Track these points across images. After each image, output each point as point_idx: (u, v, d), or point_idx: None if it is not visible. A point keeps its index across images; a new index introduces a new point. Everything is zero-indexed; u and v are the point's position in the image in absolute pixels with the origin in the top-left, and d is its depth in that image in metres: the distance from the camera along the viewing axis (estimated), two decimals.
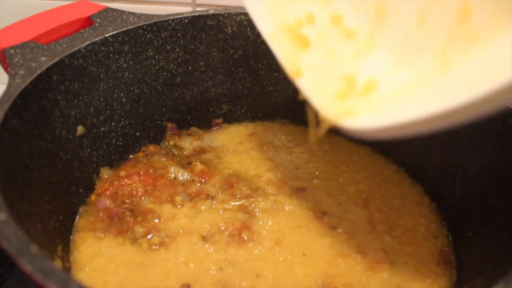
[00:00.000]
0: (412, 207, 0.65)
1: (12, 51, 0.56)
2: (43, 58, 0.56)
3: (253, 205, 0.63)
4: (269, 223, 0.61)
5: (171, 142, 0.72)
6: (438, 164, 0.66)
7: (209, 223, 0.60)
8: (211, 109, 0.76)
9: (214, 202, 0.63)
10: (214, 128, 0.76)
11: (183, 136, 0.73)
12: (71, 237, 0.58)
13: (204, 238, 0.58)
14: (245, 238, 0.59)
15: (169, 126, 0.73)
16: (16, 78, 0.52)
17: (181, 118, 0.74)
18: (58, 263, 0.51)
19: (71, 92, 0.59)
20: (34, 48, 0.57)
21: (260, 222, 0.61)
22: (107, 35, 0.62)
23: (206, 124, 0.76)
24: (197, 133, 0.73)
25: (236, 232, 0.59)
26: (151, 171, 0.65)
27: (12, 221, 0.39)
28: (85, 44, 0.60)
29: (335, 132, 0.74)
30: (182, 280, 0.54)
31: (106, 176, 0.65)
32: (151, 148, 0.70)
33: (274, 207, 0.63)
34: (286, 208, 0.63)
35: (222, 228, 0.59)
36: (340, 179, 0.68)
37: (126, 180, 0.63)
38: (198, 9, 0.86)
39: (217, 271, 0.55)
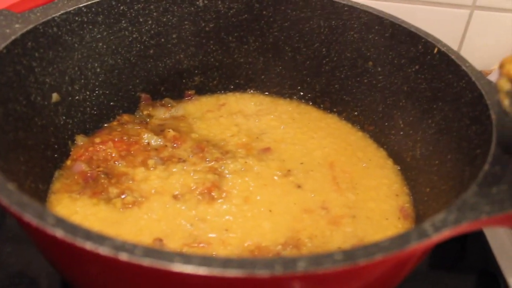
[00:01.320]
0: (376, 169, 0.68)
1: None
2: (17, 26, 0.58)
3: (222, 167, 0.66)
4: (238, 182, 0.64)
5: (145, 112, 0.74)
6: (400, 128, 0.69)
7: (180, 184, 0.63)
8: (183, 80, 0.78)
9: (185, 165, 0.65)
10: (186, 98, 0.79)
11: (157, 107, 0.75)
12: (47, 198, 0.60)
13: (175, 197, 0.61)
14: (215, 196, 0.61)
15: (143, 96, 0.75)
16: None
17: (155, 89, 0.76)
18: None
19: (46, 59, 0.61)
20: (8, 16, 0.59)
21: (230, 183, 0.64)
22: (81, 5, 0.64)
23: (179, 95, 0.78)
24: (170, 104, 0.76)
25: (206, 191, 0.62)
26: (125, 138, 0.68)
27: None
28: (59, 13, 0.62)
29: (305, 101, 0.79)
30: (155, 235, 0.56)
31: (81, 143, 0.67)
32: (125, 117, 0.72)
33: (242, 169, 0.66)
34: (254, 169, 0.66)
35: (192, 188, 0.62)
36: (307, 144, 0.71)
37: (101, 146, 0.66)
38: None
39: (189, 226, 0.58)
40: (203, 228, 0.58)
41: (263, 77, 0.80)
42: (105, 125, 0.72)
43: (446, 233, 0.38)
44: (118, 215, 0.58)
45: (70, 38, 0.64)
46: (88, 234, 0.34)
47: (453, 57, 0.61)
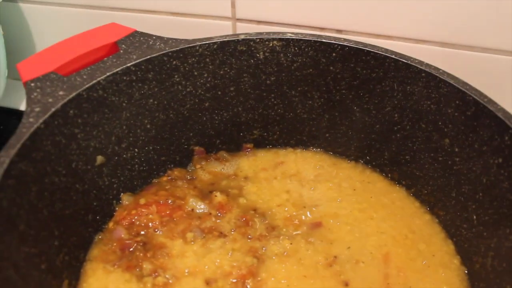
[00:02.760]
0: (437, 269, 0.59)
1: (32, 84, 0.57)
2: (61, 92, 0.57)
3: (264, 248, 0.61)
4: (276, 270, 0.59)
5: (198, 166, 0.71)
6: (474, 224, 0.59)
7: (215, 266, 0.59)
8: (241, 134, 0.73)
9: (226, 241, 0.62)
10: (244, 152, 0.74)
11: (210, 161, 0.72)
12: (84, 267, 0.60)
13: (207, 283, 0.58)
14: (249, 287, 0.57)
15: (197, 149, 0.72)
16: (30, 116, 0.54)
17: (210, 142, 0.73)
18: None
19: (90, 123, 0.60)
20: (54, 80, 0.58)
21: (268, 270, 0.59)
22: (129, 64, 0.61)
23: (236, 148, 0.74)
24: (224, 157, 0.72)
25: (240, 279, 0.58)
26: (170, 201, 0.65)
27: None
28: (105, 75, 0.59)
29: (371, 167, 0.71)
30: None
31: (127, 203, 0.66)
32: (176, 172, 0.70)
33: (285, 253, 0.60)
34: (298, 252, 0.61)
35: (227, 272, 0.59)
36: (363, 225, 0.64)
37: (143, 210, 0.64)
38: (238, 24, 0.82)
39: None
40: None
41: (327, 135, 0.72)
42: (155, 180, 0.70)
43: None
44: None
45: (117, 99, 0.62)
46: None
47: None
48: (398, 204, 0.67)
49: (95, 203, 0.62)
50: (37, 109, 0.55)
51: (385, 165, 0.70)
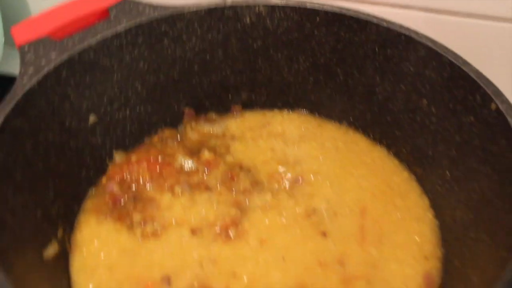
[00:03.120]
0: (411, 222, 0.63)
1: (26, 48, 0.60)
2: (54, 55, 0.60)
3: (247, 201, 0.65)
4: (258, 220, 0.63)
5: (187, 127, 0.74)
6: (447, 179, 0.62)
7: (201, 217, 0.63)
8: (229, 96, 0.76)
9: (211, 194, 0.65)
10: (232, 113, 0.77)
11: (200, 121, 0.75)
12: (78, 217, 0.64)
13: (193, 231, 0.61)
14: (231, 235, 0.61)
15: (187, 111, 0.75)
16: (24, 77, 0.57)
17: (199, 104, 0.76)
18: (53, 248, 0.57)
19: (82, 84, 0.63)
20: (47, 44, 0.61)
21: (250, 220, 0.63)
22: (119, 29, 0.64)
23: (224, 110, 0.77)
24: (213, 118, 0.75)
25: (224, 228, 0.62)
26: (160, 158, 0.69)
27: None
28: (96, 39, 0.62)
29: (354, 128, 0.74)
30: (164, 272, 0.58)
31: (119, 160, 0.69)
32: (167, 132, 0.73)
33: (267, 205, 0.64)
34: (279, 205, 0.64)
35: (212, 223, 0.62)
36: (343, 181, 0.67)
37: (135, 166, 0.68)
38: None
39: (198, 267, 0.58)
40: (211, 271, 0.58)
41: (312, 97, 0.75)
42: (146, 140, 0.73)
43: None
44: (136, 244, 0.61)
45: (108, 61, 0.65)
46: None
47: (509, 120, 0.52)
48: (379, 162, 0.70)
49: (88, 160, 0.66)
50: (30, 71, 0.58)
51: (367, 125, 0.73)
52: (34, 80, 0.57)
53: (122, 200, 0.64)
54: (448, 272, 0.57)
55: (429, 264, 0.59)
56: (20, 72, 0.58)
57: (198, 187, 0.66)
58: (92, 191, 0.67)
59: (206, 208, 0.64)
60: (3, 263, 0.42)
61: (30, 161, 0.56)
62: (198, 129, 0.74)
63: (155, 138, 0.73)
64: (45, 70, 0.58)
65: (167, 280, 0.57)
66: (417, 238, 0.61)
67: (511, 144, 0.51)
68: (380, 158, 0.70)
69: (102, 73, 0.65)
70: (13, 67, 0.97)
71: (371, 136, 0.73)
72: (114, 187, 0.66)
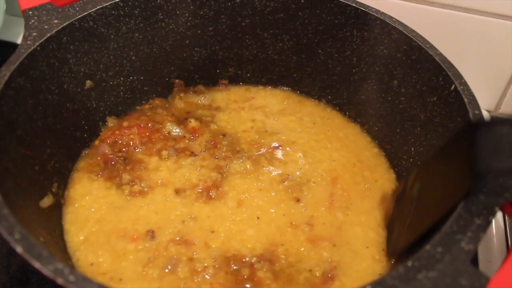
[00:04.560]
0: (377, 193, 0.69)
1: (30, 12, 0.65)
2: (55, 21, 0.64)
3: (228, 166, 0.70)
4: (237, 184, 0.69)
5: (177, 97, 0.80)
6: (412, 155, 0.68)
7: (185, 178, 0.68)
8: (218, 70, 0.82)
9: (195, 159, 0.71)
10: (220, 86, 0.83)
11: (189, 92, 0.80)
12: (71, 175, 0.69)
13: (177, 192, 0.67)
14: (212, 196, 0.67)
15: (177, 82, 0.80)
16: (28, 39, 0.62)
17: (189, 77, 0.81)
18: (48, 199, 0.62)
19: (81, 51, 0.68)
20: (50, 10, 0.65)
21: (230, 184, 0.68)
22: (117, 0, 0.69)
23: (212, 83, 0.83)
24: (201, 91, 0.81)
25: (205, 189, 0.67)
26: (150, 124, 0.74)
27: None
28: (96, 8, 0.67)
29: (332, 106, 0.80)
30: (149, 226, 0.64)
31: (111, 125, 0.74)
32: (157, 101, 0.79)
33: (245, 171, 0.70)
34: (257, 171, 0.70)
35: (194, 184, 0.68)
36: (317, 153, 0.73)
37: (126, 131, 0.73)
38: None
39: (180, 223, 0.64)
40: (192, 227, 0.64)
41: (295, 75, 0.81)
42: (138, 107, 0.78)
43: None
44: (123, 201, 0.66)
45: (106, 30, 0.70)
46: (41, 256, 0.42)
47: (465, 99, 0.58)
48: (352, 138, 0.76)
49: (83, 122, 0.71)
50: (34, 34, 0.63)
51: (343, 104, 0.79)
52: (37, 43, 0.61)
53: (112, 161, 0.70)
54: None
55: None
56: (24, 35, 0.62)
57: (183, 152, 0.72)
58: (86, 152, 0.72)
59: (190, 171, 0.69)
60: (7, 202, 0.47)
61: (30, 118, 0.61)
62: (186, 100, 0.80)
63: (146, 106, 0.78)
64: (47, 35, 0.63)
65: (151, 234, 0.63)
66: (381, 207, 0.67)
67: (465, 121, 0.57)
68: (353, 134, 0.76)
69: (99, 41, 0.69)
70: (14, 35, 1.02)
71: (347, 114, 0.79)
72: (106, 148, 0.71)
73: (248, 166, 0.70)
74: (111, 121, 0.75)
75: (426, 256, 0.43)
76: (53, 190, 0.64)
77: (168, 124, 0.74)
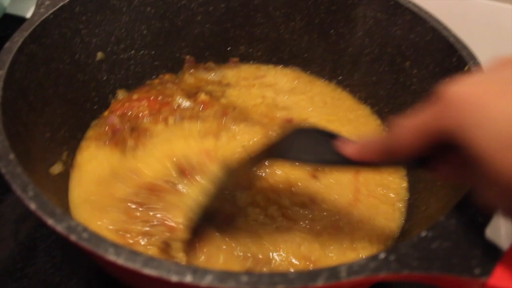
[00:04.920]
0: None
1: None
2: None
3: (233, 125, 0.71)
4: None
5: (187, 73, 0.79)
6: None
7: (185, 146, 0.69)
8: (229, 48, 0.81)
9: (201, 123, 0.71)
10: (230, 64, 0.82)
11: (199, 69, 0.80)
12: (80, 143, 0.69)
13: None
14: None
15: (188, 58, 0.80)
16: (41, 7, 0.62)
17: (200, 53, 0.81)
18: (58, 167, 0.62)
19: (93, 22, 0.68)
20: None
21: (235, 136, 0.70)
22: None
23: (223, 61, 0.82)
24: (211, 67, 0.80)
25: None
26: (160, 97, 0.74)
27: (3, 130, 0.49)
28: None
29: (342, 87, 0.79)
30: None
31: (121, 97, 0.74)
32: (167, 76, 0.79)
33: (253, 131, 0.71)
34: (266, 133, 0.70)
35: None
36: None
37: (136, 103, 0.73)
38: None
39: None
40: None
41: (306, 55, 0.81)
42: (147, 82, 0.78)
43: (360, 278, 0.40)
44: (126, 162, 0.66)
45: (118, 2, 0.69)
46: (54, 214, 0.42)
47: None
48: (362, 121, 0.76)
49: (93, 94, 0.71)
50: (47, 2, 0.63)
51: (355, 85, 0.79)
52: (50, 11, 0.61)
53: (120, 130, 0.70)
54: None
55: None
56: (37, 3, 0.62)
57: (190, 118, 0.72)
58: (95, 122, 0.72)
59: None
60: (22, 162, 0.47)
61: (42, 85, 0.61)
62: (196, 76, 0.79)
63: (156, 81, 0.78)
64: (60, 4, 0.63)
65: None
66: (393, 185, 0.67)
67: None
68: (364, 117, 0.76)
69: (112, 13, 0.69)
70: (23, 9, 1.01)
71: (357, 95, 0.79)
72: (114, 119, 0.71)
73: (257, 129, 0.70)
74: (121, 94, 0.75)
75: (441, 227, 0.43)
76: (63, 158, 0.64)
77: (178, 97, 0.74)
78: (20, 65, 0.57)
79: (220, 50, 0.81)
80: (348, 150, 0.46)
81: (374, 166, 0.48)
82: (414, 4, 0.67)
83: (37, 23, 0.60)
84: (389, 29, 0.71)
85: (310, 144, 0.49)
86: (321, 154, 0.49)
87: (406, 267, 0.41)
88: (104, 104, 0.73)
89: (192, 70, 0.79)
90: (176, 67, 0.80)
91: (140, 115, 0.72)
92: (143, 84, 0.78)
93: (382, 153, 0.44)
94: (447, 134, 0.36)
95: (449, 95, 0.36)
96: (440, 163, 0.43)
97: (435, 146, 0.39)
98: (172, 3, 0.74)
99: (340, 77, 0.80)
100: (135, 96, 0.74)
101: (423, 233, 0.43)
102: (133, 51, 0.74)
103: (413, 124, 0.41)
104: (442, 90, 0.37)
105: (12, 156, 0.46)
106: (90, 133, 0.70)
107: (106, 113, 0.73)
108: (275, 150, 0.51)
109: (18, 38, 0.57)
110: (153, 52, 0.77)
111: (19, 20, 1.00)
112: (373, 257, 0.41)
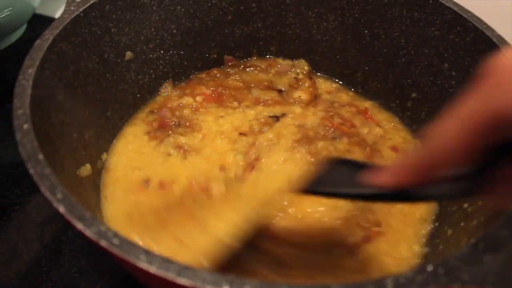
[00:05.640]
0: None
1: None
2: None
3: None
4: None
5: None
6: None
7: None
8: (259, 48, 0.80)
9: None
10: None
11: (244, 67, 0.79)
12: (110, 144, 0.68)
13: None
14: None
15: (227, 58, 0.79)
16: (71, 5, 0.60)
17: (229, 54, 0.79)
18: (86, 169, 0.61)
19: (123, 20, 0.66)
20: None
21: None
22: None
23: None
24: (257, 64, 0.79)
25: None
26: (220, 89, 0.74)
27: (32, 130, 0.47)
28: None
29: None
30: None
31: (165, 94, 0.75)
32: (215, 71, 0.78)
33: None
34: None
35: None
36: None
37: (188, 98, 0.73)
38: None
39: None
40: None
41: (338, 57, 0.78)
42: (192, 76, 0.78)
43: None
44: (157, 153, 0.67)
45: (148, 1, 0.68)
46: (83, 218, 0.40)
47: None
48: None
49: (121, 94, 0.70)
50: (78, 0, 0.61)
51: (389, 88, 0.76)
52: (80, 9, 0.60)
53: (168, 125, 0.69)
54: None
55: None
56: (67, 1, 0.61)
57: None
58: (123, 122, 0.71)
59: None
60: (50, 162, 0.45)
61: (71, 84, 0.60)
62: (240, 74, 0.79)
63: (203, 75, 0.78)
64: (91, 2, 0.61)
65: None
66: None
67: None
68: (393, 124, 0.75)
69: (141, 12, 0.68)
70: (52, 9, 1.01)
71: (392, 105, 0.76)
72: (166, 113, 0.71)
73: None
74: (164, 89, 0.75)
75: (492, 238, 0.41)
76: (91, 159, 0.63)
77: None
78: (50, 64, 0.55)
79: (250, 51, 0.80)
80: (381, 179, 0.39)
81: (413, 196, 0.39)
82: (454, 3, 0.64)
83: (67, 21, 0.58)
84: (426, 29, 0.68)
85: (342, 177, 0.46)
86: (350, 188, 0.44)
87: (457, 280, 0.38)
88: (132, 105, 0.72)
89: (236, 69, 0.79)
90: (205, 68, 0.78)
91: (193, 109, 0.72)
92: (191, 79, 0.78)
93: (421, 171, 0.35)
94: (505, 120, 0.29)
95: (501, 67, 0.30)
96: (499, 181, 0.34)
97: (491, 149, 0.32)
98: (203, 2, 0.72)
99: (378, 85, 0.77)
100: (187, 91, 0.74)
101: (473, 244, 0.40)
102: (163, 50, 0.73)
103: (457, 120, 0.32)
104: (490, 64, 0.30)
105: (41, 156, 0.45)
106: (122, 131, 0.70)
107: (156, 106, 0.73)
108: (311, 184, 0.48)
109: (48, 36, 0.56)
110: (183, 52, 0.75)
111: (49, 21, 1.00)
112: (421, 270, 0.39)
